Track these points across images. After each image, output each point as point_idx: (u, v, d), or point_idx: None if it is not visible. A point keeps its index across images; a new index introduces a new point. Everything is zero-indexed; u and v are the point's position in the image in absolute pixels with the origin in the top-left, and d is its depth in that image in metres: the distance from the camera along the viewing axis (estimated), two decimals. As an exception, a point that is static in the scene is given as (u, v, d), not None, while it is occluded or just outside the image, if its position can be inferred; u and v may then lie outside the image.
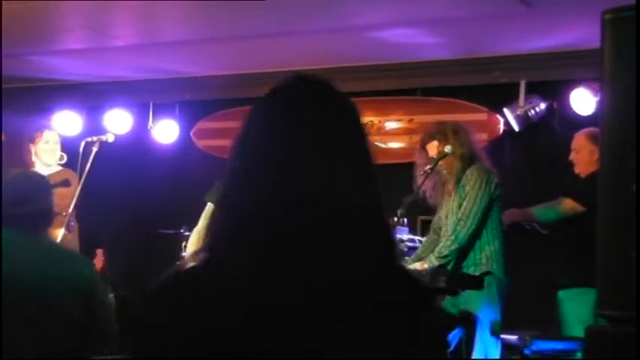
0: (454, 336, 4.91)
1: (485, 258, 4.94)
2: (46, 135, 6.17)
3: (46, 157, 6.13)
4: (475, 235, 4.93)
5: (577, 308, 5.16)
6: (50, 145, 6.15)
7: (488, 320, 4.87)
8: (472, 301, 4.85)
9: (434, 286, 4.71)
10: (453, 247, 4.90)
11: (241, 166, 1.33)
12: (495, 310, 4.90)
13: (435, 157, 5.05)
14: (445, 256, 4.89)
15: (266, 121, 1.34)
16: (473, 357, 4.84)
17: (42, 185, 3.31)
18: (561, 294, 5.44)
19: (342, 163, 1.30)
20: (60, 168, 6.23)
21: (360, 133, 1.37)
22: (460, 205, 4.96)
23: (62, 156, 6.23)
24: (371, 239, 1.30)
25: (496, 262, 4.94)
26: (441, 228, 5.16)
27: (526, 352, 5.09)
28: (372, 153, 1.36)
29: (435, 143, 5.08)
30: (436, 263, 4.86)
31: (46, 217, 3.21)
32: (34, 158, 6.13)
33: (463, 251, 4.94)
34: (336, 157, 1.30)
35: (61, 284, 2.94)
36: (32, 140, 6.13)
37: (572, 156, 5.61)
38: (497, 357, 4.93)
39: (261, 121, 1.35)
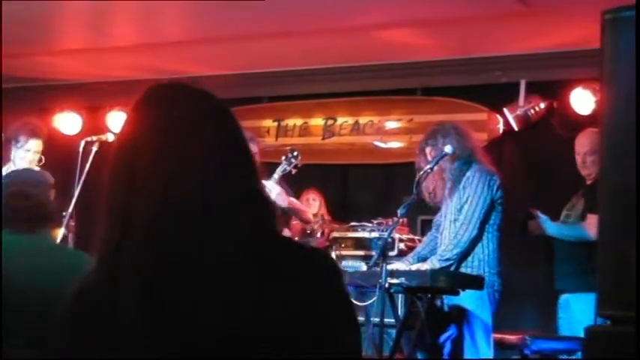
0: (447, 337, 4.90)
1: (477, 261, 4.93)
2: (30, 144, 6.04)
3: (21, 164, 6.04)
4: (477, 239, 4.92)
5: (585, 310, 5.12)
6: (30, 154, 6.00)
7: (479, 321, 4.86)
8: (463, 301, 4.85)
9: (433, 286, 4.72)
10: (455, 251, 4.89)
11: (122, 168, 1.48)
12: (485, 311, 4.88)
13: (430, 159, 5.05)
14: (447, 259, 4.89)
15: (136, 126, 1.50)
16: (464, 356, 4.83)
17: (40, 181, 3.29)
18: (568, 297, 5.41)
19: (209, 154, 1.44)
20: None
21: (224, 125, 1.49)
22: (461, 208, 4.94)
23: (41, 159, 6.13)
24: (243, 221, 1.41)
25: (487, 265, 4.92)
26: (440, 225, 5.17)
27: (526, 351, 5.09)
28: (241, 144, 1.50)
29: (429, 149, 5.09)
30: (438, 266, 4.86)
31: (43, 213, 3.19)
32: (11, 157, 6.02)
33: (465, 254, 4.94)
34: (202, 150, 1.44)
35: (63, 281, 2.91)
36: (16, 141, 6.03)
37: (587, 158, 5.37)
38: (491, 356, 4.92)
39: (133, 125, 1.51)
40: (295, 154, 5.70)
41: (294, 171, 5.71)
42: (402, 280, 4.85)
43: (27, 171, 3.68)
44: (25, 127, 6.10)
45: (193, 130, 1.44)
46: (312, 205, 7.23)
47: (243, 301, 1.36)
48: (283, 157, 5.71)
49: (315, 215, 7.20)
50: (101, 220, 1.46)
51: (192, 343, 1.35)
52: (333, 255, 5.79)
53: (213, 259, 1.37)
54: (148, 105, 1.50)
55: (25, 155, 5.97)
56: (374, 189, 7.56)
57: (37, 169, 5.29)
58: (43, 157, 6.08)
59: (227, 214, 1.40)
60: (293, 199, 6.07)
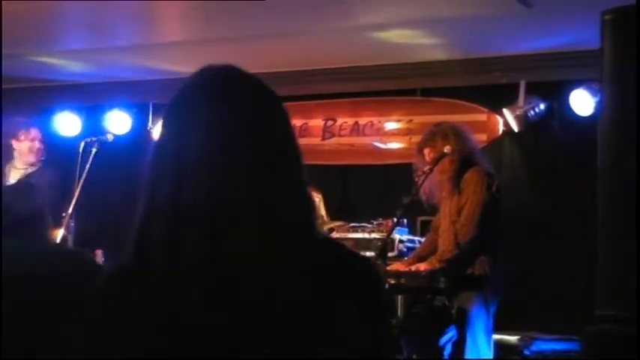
0: (449, 339, 4.89)
1: (479, 262, 4.91)
2: (32, 133, 6.12)
3: (30, 156, 6.09)
4: (477, 240, 4.89)
5: None
6: (36, 143, 6.10)
7: (480, 321, 4.85)
8: (463, 302, 4.84)
9: (433, 287, 4.71)
10: (455, 253, 4.87)
11: (163, 161, 1.42)
12: (486, 312, 4.87)
13: (429, 160, 5.04)
14: (447, 260, 4.86)
15: (187, 113, 1.43)
16: (465, 357, 4.82)
17: (23, 192, 3.33)
18: None
19: (263, 147, 1.41)
20: (39, 166, 6.21)
21: (277, 116, 1.47)
22: (460, 209, 4.93)
23: (43, 152, 6.19)
24: (292, 219, 1.39)
25: (488, 265, 4.91)
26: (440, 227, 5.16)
27: (526, 352, 5.09)
28: (293, 138, 1.47)
29: (427, 150, 5.07)
30: (437, 267, 4.84)
31: (32, 221, 3.21)
32: (15, 155, 6.06)
33: (465, 256, 4.92)
34: (257, 141, 1.40)
35: (64, 284, 2.95)
36: (16, 138, 6.08)
37: None
38: (491, 357, 4.92)
39: (184, 113, 1.44)
40: None
41: None
42: (402, 280, 4.85)
43: (11, 186, 3.74)
44: (19, 121, 6.17)
45: (246, 120, 1.41)
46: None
47: (284, 296, 1.34)
48: None
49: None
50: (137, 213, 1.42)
51: (222, 329, 1.34)
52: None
53: (268, 255, 1.35)
54: (197, 90, 1.45)
55: (32, 146, 6.02)
56: (374, 190, 7.55)
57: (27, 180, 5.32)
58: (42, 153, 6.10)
59: (276, 211, 1.37)
60: None
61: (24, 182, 4.32)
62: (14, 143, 6.05)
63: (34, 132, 6.15)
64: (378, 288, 1.46)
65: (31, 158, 6.10)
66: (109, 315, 1.41)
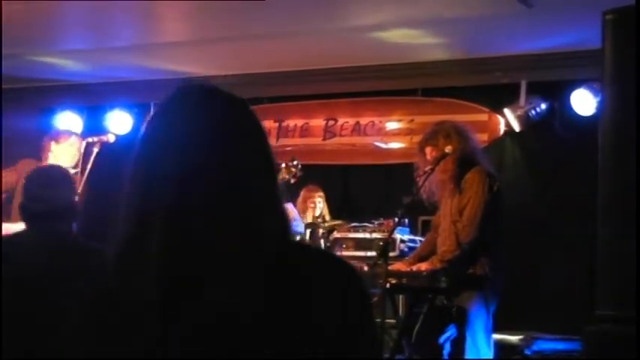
0: (447, 338, 4.89)
1: (479, 262, 4.89)
2: (73, 139, 6.08)
3: (66, 160, 6.05)
4: (478, 240, 4.87)
5: None
6: (73, 149, 6.06)
7: (480, 321, 4.84)
8: (463, 301, 4.83)
9: (434, 287, 4.71)
10: (456, 253, 4.86)
11: (144, 164, 1.49)
12: (486, 312, 4.86)
13: (430, 158, 5.03)
14: (448, 260, 4.85)
15: (167, 122, 1.51)
16: (465, 356, 4.82)
17: (61, 180, 3.30)
18: None
19: (239, 154, 1.48)
20: (74, 171, 6.18)
21: (251, 125, 1.54)
22: (461, 209, 4.91)
23: (77, 163, 6.16)
24: (266, 222, 1.44)
25: (488, 266, 4.89)
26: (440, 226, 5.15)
27: (527, 352, 5.08)
28: (265, 143, 1.55)
29: (429, 149, 5.06)
30: (439, 266, 4.83)
31: (66, 211, 3.20)
32: (50, 156, 6.04)
33: (466, 256, 4.91)
34: (232, 149, 1.47)
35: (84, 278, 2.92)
36: (56, 139, 6.04)
37: None
38: (491, 357, 4.91)
39: (163, 122, 1.51)
40: (295, 162, 5.50)
41: (293, 180, 5.53)
42: (403, 280, 4.85)
43: (47, 170, 3.67)
44: (64, 126, 6.16)
45: (218, 132, 1.47)
46: (317, 207, 7.18)
47: (257, 299, 1.37)
48: (283, 165, 5.49)
49: (317, 217, 7.18)
50: (121, 213, 1.50)
51: (208, 334, 1.36)
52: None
53: (226, 256, 1.38)
54: (176, 104, 1.52)
55: (69, 150, 5.99)
56: (375, 190, 7.56)
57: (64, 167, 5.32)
58: (79, 161, 6.08)
59: (243, 215, 1.41)
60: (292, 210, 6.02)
61: (55, 167, 4.15)
62: (52, 145, 6.00)
63: (75, 138, 6.10)
64: (358, 279, 1.50)
65: (66, 163, 6.05)
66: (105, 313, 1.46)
